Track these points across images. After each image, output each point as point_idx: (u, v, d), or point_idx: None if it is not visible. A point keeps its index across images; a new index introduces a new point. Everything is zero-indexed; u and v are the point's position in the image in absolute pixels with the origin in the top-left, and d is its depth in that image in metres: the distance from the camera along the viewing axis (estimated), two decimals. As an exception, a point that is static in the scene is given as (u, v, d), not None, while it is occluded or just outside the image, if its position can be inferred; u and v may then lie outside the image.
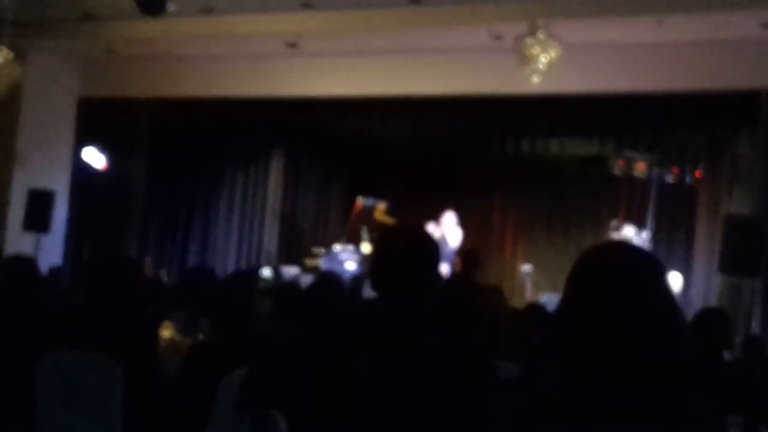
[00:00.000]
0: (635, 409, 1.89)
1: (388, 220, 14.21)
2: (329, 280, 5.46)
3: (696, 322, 5.37)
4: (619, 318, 1.92)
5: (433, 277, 2.90)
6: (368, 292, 3.14)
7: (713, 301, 11.66)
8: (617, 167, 12.89)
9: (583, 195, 14.80)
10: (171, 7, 10.36)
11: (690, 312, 7.07)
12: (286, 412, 2.83)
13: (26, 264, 5.56)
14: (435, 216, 13.65)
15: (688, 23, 10.89)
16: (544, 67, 10.67)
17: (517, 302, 12.09)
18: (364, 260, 13.99)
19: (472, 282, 8.62)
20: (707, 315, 5.61)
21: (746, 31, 10.91)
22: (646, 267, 2.00)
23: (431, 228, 13.02)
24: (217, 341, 4.54)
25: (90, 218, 15.55)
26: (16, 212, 13.85)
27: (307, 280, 12.68)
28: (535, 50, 10.66)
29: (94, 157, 15.11)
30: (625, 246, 2.17)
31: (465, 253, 9.69)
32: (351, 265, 14.04)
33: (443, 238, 13.15)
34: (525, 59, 10.71)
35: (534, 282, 13.97)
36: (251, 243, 16.02)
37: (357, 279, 12.46)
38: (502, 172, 15.43)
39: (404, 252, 2.87)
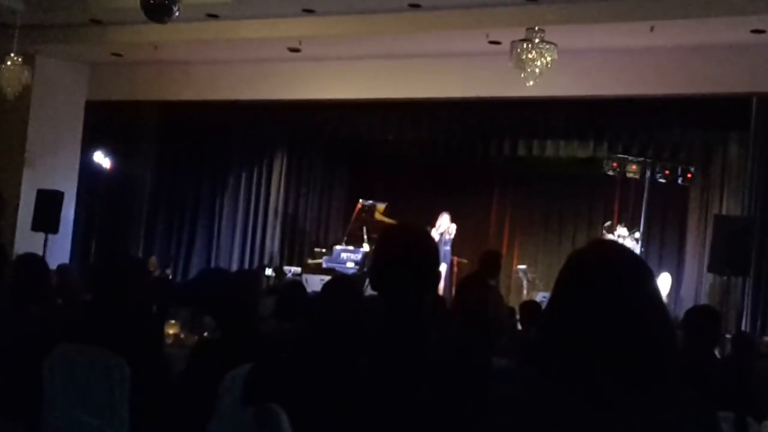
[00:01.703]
0: (625, 403, 1.91)
1: (387, 220, 14.32)
2: (343, 282, 5.41)
3: (686, 320, 5.47)
4: (603, 318, 1.95)
5: (432, 276, 2.92)
6: (367, 292, 3.25)
7: (704, 300, 11.77)
8: (611, 169, 12.93)
9: (577, 196, 14.87)
10: (177, 12, 10.41)
11: (681, 310, 7.22)
12: (288, 407, 2.85)
13: (36, 262, 5.51)
14: (434, 216, 13.84)
15: (680, 29, 10.99)
16: (540, 71, 10.75)
17: (513, 301, 12.30)
18: (364, 260, 14.16)
19: (487, 284, 8.58)
20: (697, 312, 5.69)
21: (737, 37, 11.01)
22: (630, 268, 2.02)
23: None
24: (222, 338, 4.54)
25: (97, 218, 15.65)
26: (26, 212, 13.96)
27: (308, 279, 12.92)
28: (531, 55, 10.72)
29: (102, 160, 15.28)
30: (610, 247, 2.24)
31: (487, 254, 9.54)
32: (351, 265, 14.23)
33: (443, 238, 13.38)
34: (521, 64, 10.76)
35: (530, 281, 14.09)
36: (254, 243, 16.08)
37: (357, 278, 12.59)
38: (499, 174, 15.51)
39: (404, 251, 2.86)
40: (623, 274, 2.01)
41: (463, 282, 9.55)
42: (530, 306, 8.66)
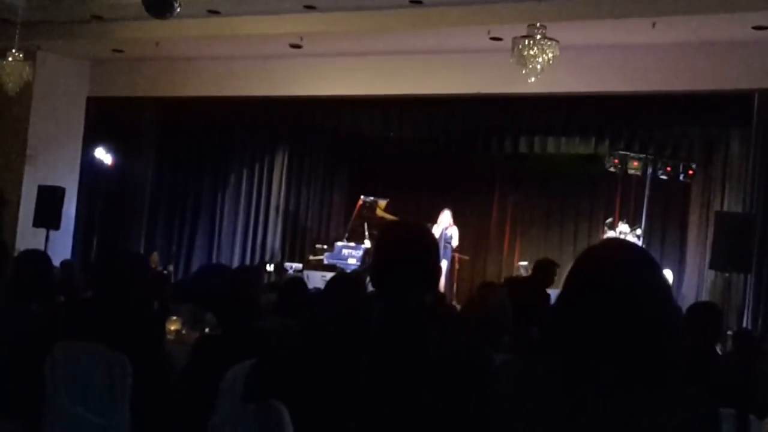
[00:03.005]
0: (629, 399, 1.93)
1: (389, 217, 14.33)
2: (347, 280, 5.40)
3: (688, 317, 5.41)
4: (611, 316, 1.98)
5: (433, 273, 2.91)
6: (369, 288, 3.25)
7: (705, 296, 11.75)
8: (612, 165, 12.93)
9: (579, 192, 14.87)
10: (178, 9, 10.41)
11: (683, 307, 7.21)
12: (289, 404, 2.85)
13: (40, 259, 5.48)
14: (435, 213, 13.85)
15: (682, 25, 10.99)
16: (541, 67, 10.74)
17: (515, 297, 12.26)
18: (365, 257, 14.17)
19: (542, 291, 8.37)
20: (699, 309, 5.71)
21: (738, 33, 11.01)
22: (641, 265, 2.05)
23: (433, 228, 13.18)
24: (223, 335, 4.58)
25: (98, 215, 15.68)
26: (27, 209, 14.01)
27: (309, 275, 12.93)
28: (533, 51, 10.71)
29: (103, 156, 15.30)
30: (621, 244, 2.34)
31: (543, 262, 9.24)
32: (353, 261, 14.24)
33: (441, 235, 13.37)
34: (523, 60, 10.76)
35: (531, 278, 14.07)
36: (255, 239, 16.08)
37: (358, 275, 12.59)
38: (501, 170, 15.49)
39: (404, 248, 2.85)
40: (634, 274, 2.03)
41: (513, 285, 9.45)
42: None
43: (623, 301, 1.98)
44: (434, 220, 13.61)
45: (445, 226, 13.79)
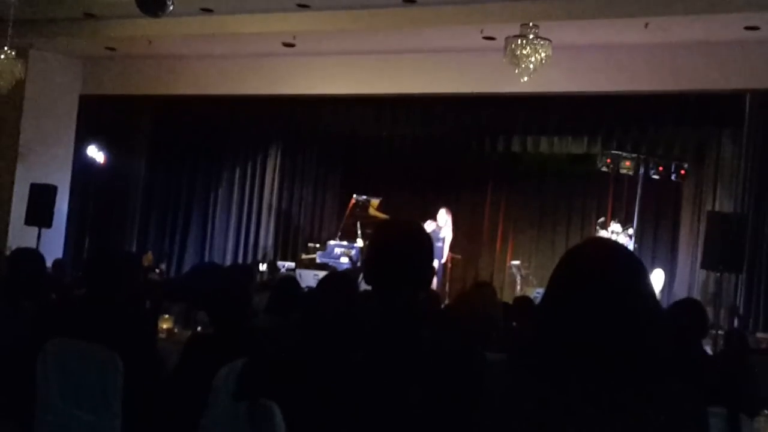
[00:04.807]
0: (615, 395, 1.95)
1: (381, 215, 14.31)
2: (339, 278, 5.39)
3: (671, 313, 5.38)
4: (596, 315, 1.99)
5: (426, 271, 2.91)
6: (362, 286, 3.24)
7: (697, 296, 11.65)
8: (605, 165, 12.94)
9: (571, 192, 14.83)
10: (171, 7, 10.41)
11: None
12: (282, 403, 2.86)
13: (32, 257, 5.52)
14: (428, 212, 13.84)
15: (675, 25, 11.04)
16: (534, 67, 10.76)
17: (507, 297, 12.29)
18: (358, 255, 14.15)
19: None
20: (682, 305, 5.65)
21: (731, 34, 11.07)
22: (624, 266, 2.07)
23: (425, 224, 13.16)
24: (215, 333, 4.60)
25: (91, 213, 15.65)
26: (19, 207, 14.00)
27: (302, 274, 12.92)
28: (526, 51, 10.73)
29: (95, 154, 15.29)
30: (605, 244, 2.32)
31: None
32: (345, 260, 14.23)
33: (436, 233, 13.36)
34: (515, 59, 10.78)
35: (524, 277, 14.07)
36: (248, 238, 16.04)
37: (350, 273, 12.58)
38: (494, 170, 15.41)
39: (398, 246, 2.85)
40: (617, 272, 2.05)
41: None
42: (523, 301, 8.67)
43: (605, 299, 2.00)
44: (428, 219, 13.58)
45: (440, 225, 13.76)
